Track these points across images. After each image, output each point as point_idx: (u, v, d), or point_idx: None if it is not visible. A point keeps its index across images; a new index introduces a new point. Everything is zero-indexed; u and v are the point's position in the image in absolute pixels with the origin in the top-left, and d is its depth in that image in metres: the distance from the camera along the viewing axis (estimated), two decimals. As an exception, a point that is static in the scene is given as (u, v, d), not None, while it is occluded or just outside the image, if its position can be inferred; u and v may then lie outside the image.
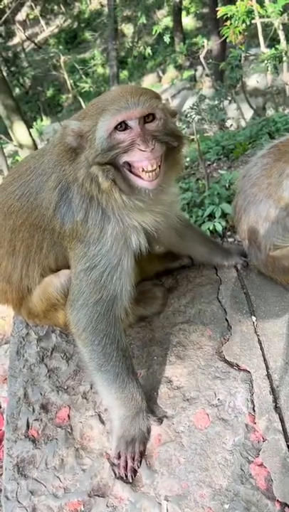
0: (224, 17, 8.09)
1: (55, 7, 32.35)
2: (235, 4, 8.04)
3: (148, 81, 23.66)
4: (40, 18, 31.31)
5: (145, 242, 2.34)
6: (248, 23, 8.27)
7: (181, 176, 6.24)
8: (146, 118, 2.08)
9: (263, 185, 2.72)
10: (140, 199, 2.19)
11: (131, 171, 2.11)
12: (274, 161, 2.75)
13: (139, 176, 2.10)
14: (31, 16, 32.90)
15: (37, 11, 31.57)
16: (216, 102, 9.96)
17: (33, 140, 15.62)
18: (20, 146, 15.41)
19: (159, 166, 2.09)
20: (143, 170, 2.07)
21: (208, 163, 6.80)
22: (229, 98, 10.12)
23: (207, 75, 17.38)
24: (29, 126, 17.42)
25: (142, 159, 2.04)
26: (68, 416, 2.45)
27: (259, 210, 2.73)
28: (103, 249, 2.21)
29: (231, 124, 9.65)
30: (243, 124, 10.16)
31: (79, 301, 2.24)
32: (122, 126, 2.04)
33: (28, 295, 2.50)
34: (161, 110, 2.12)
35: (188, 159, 7.37)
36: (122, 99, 2.05)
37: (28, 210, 2.36)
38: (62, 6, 31.89)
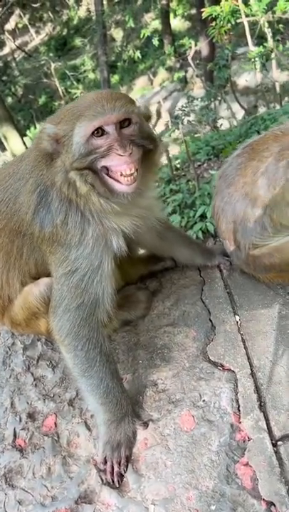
0: (210, 17, 8.10)
1: (44, 15, 32.46)
2: (220, 4, 8.05)
3: (139, 84, 23.70)
4: (29, 26, 31.41)
5: (124, 245, 2.34)
6: (233, 22, 8.28)
7: (172, 177, 6.25)
8: (123, 123, 2.10)
9: (238, 184, 2.73)
10: (118, 202, 2.19)
11: (109, 175, 2.12)
12: (248, 160, 2.75)
13: (117, 180, 2.11)
14: (20, 25, 33.00)
15: (26, 20, 31.66)
16: (206, 103, 9.96)
17: (27, 148, 15.64)
18: (14, 155, 15.45)
19: (136, 170, 2.10)
20: (121, 174, 2.08)
21: (199, 163, 6.81)
22: (219, 98, 10.12)
23: (197, 76, 17.39)
24: (22, 135, 17.48)
25: (121, 163, 2.06)
26: (55, 424, 2.45)
27: (236, 210, 2.73)
28: (85, 252, 2.21)
29: (221, 124, 9.63)
30: (234, 123, 10.15)
31: (61, 307, 2.24)
32: (99, 132, 2.06)
33: (9, 305, 2.49)
34: (137, 115, 2.14)
35: (178, 161, 7.38)
36: (98, 104, 2.06)
37: (7, 216, 2.35)
38: (51, 14, 32.00)
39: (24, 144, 16.27)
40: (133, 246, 2.77)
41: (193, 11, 22.84)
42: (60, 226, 2.19)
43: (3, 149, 17.84)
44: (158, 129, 15.55)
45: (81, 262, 2.21)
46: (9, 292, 2.45)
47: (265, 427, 2.17)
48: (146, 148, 2.21)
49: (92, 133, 2.05)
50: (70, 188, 2.14)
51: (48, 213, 2.21)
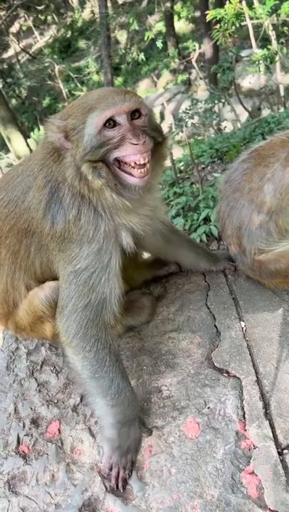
0: (214, 20, 8.10)
1: (49, 17, 32.53)
2: (224, 7, 8.05)
3: (143, 86, 23.71)
4: (33, 28, 31.46)
5: (133, 242, 2.34)
6: (238, 25, 8.28)
7: (175, 180, 6.23)
8: (133, 115, 2.11)
9: (244, 190, 2.71)
10: (129, 198, 2.19)
11: (120, 169, 2.13)
12: (254, 165, 2.74)
13: (130, 173, 2.12)
14: (25, 27, 33.08)
15: (30, 22, 31.73)
16: (210, 105, 9.96)
17: (31, 150, 15.68)
18: (18, 156, 15.49)
19: (149, 161, 2.12)
20: (134, 166, 2.09)
21: (202, 166, 6.78)
22: (223, 100, 10.11)
23: (201, 78, 17.38)
24: (26, 137, 17.50)
25: (135, 153, 2.07)
26: (59, 430, 2.43)
27: (242, 215, 2.72)
28: (96, 247, 2.21)
29: (225, 127, 9.62)
30: (238, 125, 10.14)
31: (68, 307, 2.22)
32: (111, 123, 2.07)
33: (14, 310, 2.48)
34: (146, 106, 2.17)
35: (181, 163, 7.36)
36: (109, 97, 2.09)
37: (16, 216, 2.34)
38: (55, 16, 32.06)
39: (28, 145, 16.30)
40: (138, 249, 2.76)
41: (198, 14, 22.88)
42: (72, 222, 2.18)
43: (7, 151, 17.86)
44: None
45: (92, 258, 2.20)
46: (14, 296, 2.44)
47: (270, 435, 2.15)
48: (156, 140, 2.22)
49: (105, 124, 2.06)
50: (82, 182, 2.13)
51: (61, 209, 2.19)
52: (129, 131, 2.07)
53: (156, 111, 18.44)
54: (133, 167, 2.10)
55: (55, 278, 2.37)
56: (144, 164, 2.09)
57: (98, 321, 2.22)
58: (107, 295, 2.24)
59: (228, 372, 2.44)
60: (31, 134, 21.69)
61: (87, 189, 2.14)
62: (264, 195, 2.63)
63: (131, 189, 2.17)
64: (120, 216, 2.24)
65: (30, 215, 2.29)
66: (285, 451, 2.11)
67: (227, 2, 8.04)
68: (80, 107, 2.14)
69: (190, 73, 21.52)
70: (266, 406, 2.27)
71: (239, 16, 8.25)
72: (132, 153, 2.07)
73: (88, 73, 24.97)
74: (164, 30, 24.23)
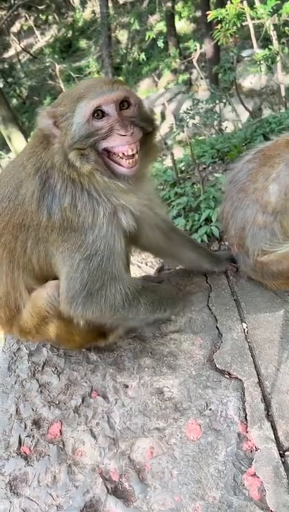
0: (215, 20, 8.09)
1: (49, 17, 32.51)
2: (225, 7, 8.04)
3: (144, 86, 23.68)
4: (34, 28, 31.43)
5: (133, 222, 2.34)
6: (239, 25, 8.27)
7: (176, 180, 6.23)
8: (122, 105, 2.12)
9: (249, 190, 2.71)
10: (122, 182, 2.19)
11: (110, 158, 2.14)
12: (259, 165, 2.73)
13: (118, 163, 2.13)
14: (25, 27, 33.06)
15: (31, 22, 31.71)
16: (211, 105, 9.95)
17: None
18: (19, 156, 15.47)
19: (137, 152, 2.12)
20: (122, 156, 2.11)
21: (204, 166, 6.78)
22: (224, 101, 10.11)
23: (202, 78, 17.37)
24: (27, 136, 17.47)
25: (122, 144, 2.08)
26: (60, 431, 2.43)
27: (246, 216, 2.71)
28: (101, 233, 2.22)
29: (226, 127, 9.62)
30: (240, 126, 10.13)
31: (82, 294, 2.26)
32: (99, 114, 2.07)
33: (17, 314, 2.47)
34: (135, 96, 2.17)
35: (182, 163, 7.36)
36: (97, 86, 2.09)
37: (10, 211, 2.31)
38: (56, 16, 32.04)
39: (29, 145, 16.28)
40: (135, 246, 2.80)
41: (198, 14, 22.85)
42: (68, 209, 2.17)
43: (8, 150, 17.84)
44: (162, 132, 15.54)
45: (99, 243, 2.22)
46: (16, 299, 2.43)
47: (272, 436, 2.15)
48: (146, 130, 2.21)
49: (93, 114, 2.06)
50: (71, 168, 2.13)
51: (54, 197, 2.17)
52: (117, 121, 2.07)
53: (157, 111, 18.41)
54: (121, 157, 2.11)
55: (53, 276, 2.37)
56: (133, 155, 2.11)
57: (116, 292, 2.32)
58: (116, 274, 2.31)
59: (229, 374, 2.44)
60: (32, 133, 21.69)
61: (77, 174, 2.13)
62: (269, 195, 2.63)
63: (121, 178, 2.17)
64: (117, 197, 2.23)
65: (25, 209, 2.25)
66: (287, 453, 2.11)
67: (228, 2, 8.03)
68: (70, 96, 2.15)
69: (191, 73, 21.48)
70: (268, 408, 2.27)
71: (240, 16, 8.24)
72: (120, 144, 2.08)
73: (89, 73, 24.92)
74: (165, 30, 24.18)
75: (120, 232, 2.29)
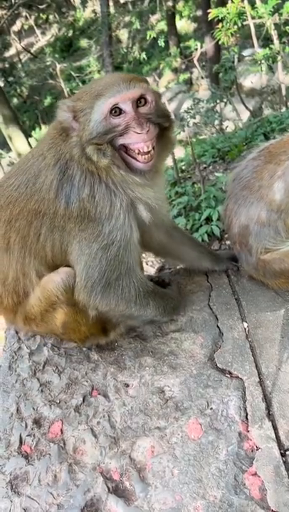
0: (216, 19, 8.08)
1: (50, 16, 32.49)
2: (226, 6, 8.03)
3: (144, 85, 23.67)
4: (35, 27, 31.42)
5: (149, 214, 2.41)
6: (240, 24, 8.26)
7: (177, 180, 6.23)
8: (139, 102, 2.17)
9: (254, 187, 2.70)
10: (138, 176, 2.26)
11: (127, 153, 2.20)
12: (265, 163, 2.73)
13: (135, 158, 2.21)
14: (26, 26, 33.05)
15: (32, 21, 31.69)
16: (212, 105, 9.94)
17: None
18: (19, 155, 15.48)
19: (153, 148, 2.18)
20: (139, 152, 2.17)
21: (204, 166, 6.78)
22: (225, 100, 10.10)
23: (203, 78, 17.36)
24: (28, 136, 17.49)
25: (138, 141, 2.15)
26: (61, 430, 2.42)
27: (250, 213, 2.71)
28: (118, 223, 2.27)
29: (227, 126, 9.60)
30: (240, 125, 10.12)
31: (101, 283, 2.33)
32: (117, 111, 2.13)
33: (24, 299, 2.47)
34: (152, 92, 2.21)
35: (183, 163, 7.35)
36: (115, 83, 2.14)
37: (26, 197, 2.34)
38: (56, 15, 32.02)
39: (29, 144, 16.27)
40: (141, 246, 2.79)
41: (199, 13, 22.81)
42: (87, 200, 2.23)
43: (9, 150, 17.83)
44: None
45: (115, 234, 2.28)
46: (25, 284, 2.42)
47: (273, 436, 2.15)
48: (162, 126, 2.27)
49: (110, 112, 2.12)
50: (89, 160, 2.19)
51: (73, 188, 2.23)
52: (133, 119, 2.13)
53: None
54: (138, 153, 2.18)
55: (65, 264, 2.39)
56: (148, 151, 2.17)
57: (131, 283, 2.41)
58: (132, 264, 2.39)
59: (230, 373, 2.44)
60: (32, 133, 21.68)
61: (95, 167, 2.20)
62: (274, 193, 2.62)
63: (137, 172, 2.24)
64: (133, 190, 2.30)
65: (42, 196, 2.29)
66: (288, 452, 2.11)
67: (229, 1, 8.03)
68: (89, 92, 2.21)
69: (192, 72, 21.48)
70: (269, 407, 2.27)
71: (241, 15, 8.23)
72: (136, 141, 2.15)
73: (90, 72, 24.92)
74: (165, 29, 24.17)
75: (135, 224, 2.35)
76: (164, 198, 2.70)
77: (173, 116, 2.42)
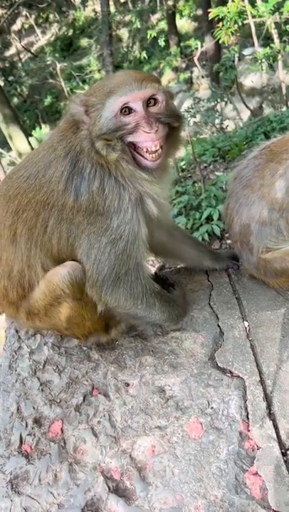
0: (217, 18, 8.07)
1: (50, 15, 32.46)
2: (226, 5, 8.02)
3: (145, 85, 23.64)
4: (35, 27, 31.40)
5: (157, 209, 2.43)
6: (240, 23, 8.25)
7: (178, 179, 6.22)
8: (149, 102, 2.20)
9: (255, 186, 2.70)
10: (146, 173, 2.29)
11: (135, 151, 2.24)
12: (266, 161, 2.72)
13: (143, 156, 2.24)
14: (26, 26, 33.03)
15: (32, 20, 31.67)
16: (212, 104, 9.94)
17: (32, 148, 15.67)
18: (20, 154, 15.48)
19: (161, 147, 2.22)
20: (147, 150, 2.21)
21: (205, 165, 6.77)
22: (225, 99, 10.10)
23: (203, 77, 17.34)
24: (28, 135, 17.48)
25: (147, 140, 2.18)
26: (61, 430, 2.42)
27: (252, 212, 2.70)
28: (126, 218, 2.29)
29: (227, 125, 9.59)
30: (241, 124, 10.12)
31: (111, 278, 2.34)
32: (127, 110, 2.16)
33: (29, 293, 2.46)
34: (163, 93, 2.23)
35: (183, 162, 7.35)
36: (127, 82, 2.17)
37: (35, 188, 2.35)
38: (57, 14, 31.99)
39: (29, 144, 16.27)
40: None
41: (200, 12, 22.79)
42: (96, 193, 2.25)
43: (9, 149, 17.84)
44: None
45: (123, 228, 2.29)
46: (30, 277, 2.41)
47: (274, 435, 2.15)
48: (171, 125, 2.29)
49: (121, 110, 2.15)
50: (98, 154, 2.23)
51: (83, 180, 2.26)
52: (143, 118, 2.16)
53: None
54: (146, 152, 2.21)
55: (71, 257, 2.39)
56: (156, 150, 2.20)
57: (138, 280, 2.42)
58: (140, 260, 2.40)
59: (231, 372, 2.43)
60: (33, 132, 21.67)
61: (104, 160, 2.23)
62: (275, 191, 2.61)
63: (145, 169, 2.27)
64: (142, 185, 2.31)
65: (51, 187, 2.30)
66: (289, 451, 2.10)
67: (229, 0, 8.02)
68: (102, 89, 2.24)
69: (192, 72, 21.46)
70: (269, 406, 2.27)
71: (241, 14, 8.22)
72: (145, 140, 2.18)
73: (90, 72, 24.89)
74: (166, 28, 24.15)
75: (143, 219, 2.37)
76: (167, 197, 2.70)
77: (183, 116, 2.45)
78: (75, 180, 2.26)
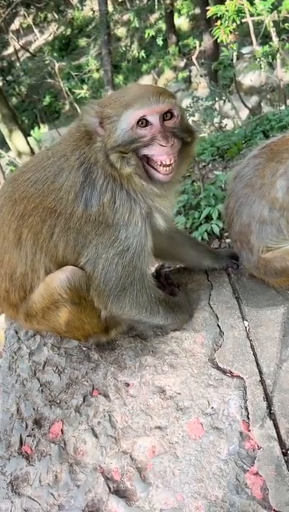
0: (215, 17, 8.07)
1: (48, 15, 32.43)
2: (224, 4, 8.01)
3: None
4: (33, 26, 31.38)
5: (165, 223, 2.46)
6: (239, 22, 8.24)
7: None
8: (165, 116, 2.21)
9: (255, 185, 2.69)
10: (157, 187, 2.31)
11: (148, 164, 2.25)
12: (266, 161, 2.71)
13: (156, 170, 2.25)
14: (24, 25, 32.99)
15: (30, 20, 31.64)
16: (211, 103, 9.93)
17: (31, 148, 15.67)
18: (19, 154, 15.47)
19: (175, 161, 2.23)
20: (160, 164, 2.22)
21: (204, 164, 6.77)
22: (224, 98, 10.09)
23: (201, 76, 17.34)
24: (27, 135, 17.44)
25: (162, 154, 2.20)
26: (61, 431, 2.42)
27: (252, 211, 2.69)
28: (135, 231, 2.31)
29: (226, 124, 9.59)
30: (239, 123, 10.11)
31: (118, 288, 2.38)
32: (143, 122, 2.17)
33: (29, 295, 2.45)
34: (178, 108, 2.26)
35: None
36: (145, 96, 2.18)
37: (43, 194, 2.34)
38: (55, 14, 31.96)
39: (28, 143, 16.24)
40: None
41: (198, 11, 22.79)
42: (107, 205, 2.27)
43: (8, 149, 17.81)
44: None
45: (131, 240, 2.32)
46: (32, 280, 2.41)
47: (275, 435, 2.14)
48: (185, 141, 2.32)
49: (137, 123, 2.16)
50: (112, 167, 2.24)
51: (94, 191, 2.27)
52: (159, 132, 2.17)
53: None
54: (160, 165, 2.22)
55: (76, 264, 2.38)
56: (170, 164, 2.22)
57: (144, 289, 2.45)
58: (145, 270, 2.45)
59: (231, 372, 2.43)
60: (31, 132, 21.64)
61: (117, 173, 2.24)
62: (276, 191, 2.61)
63: (156, 183, 2.29)
64: (153, 200, 2.35)
65: (60, 195, 2.31)
66: (290, 451, 2.10)
67: (227, -1, 8.01)
68: (118, 100, 2.24)
69: (190, 71, 21.47)
70: (270, 406, 2.26)
71: (240, 12, 8.21)
72: (160, 153, 2.20)
73: (88, 71, 24.87)
74: (164, 27, 24.16)
75: (151, 232, 2.40)
76: (173, 206, 2.75)
77: (196, 132, 2.47)
78: (86, 191, 2.27)
